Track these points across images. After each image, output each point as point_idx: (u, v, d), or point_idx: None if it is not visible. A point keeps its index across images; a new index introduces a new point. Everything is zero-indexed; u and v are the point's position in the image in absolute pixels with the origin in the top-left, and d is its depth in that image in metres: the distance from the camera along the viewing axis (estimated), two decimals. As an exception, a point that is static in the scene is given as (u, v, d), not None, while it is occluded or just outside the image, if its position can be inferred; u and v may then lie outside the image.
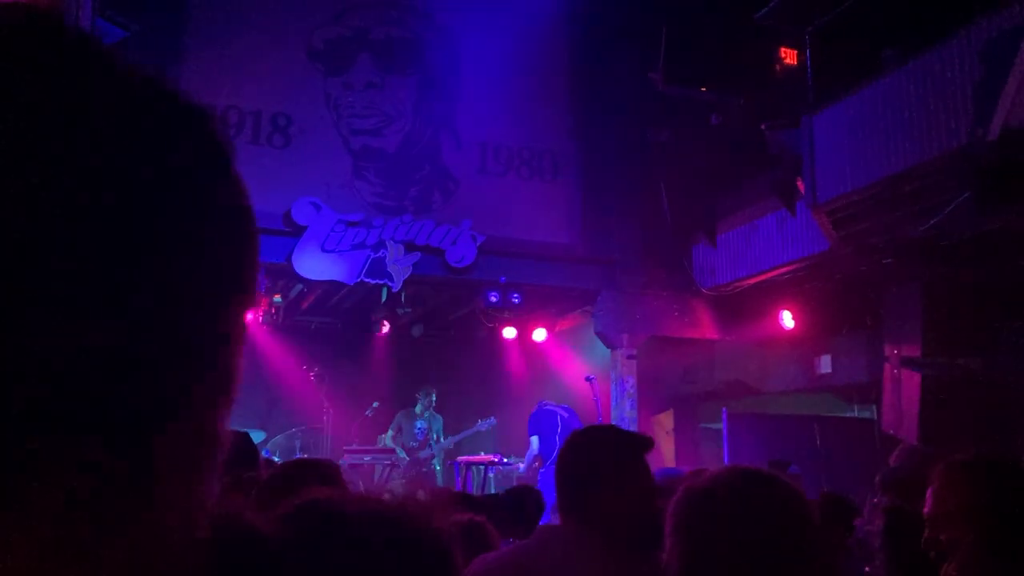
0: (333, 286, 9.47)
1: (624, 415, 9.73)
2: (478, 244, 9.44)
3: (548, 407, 9.14)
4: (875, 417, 9.22)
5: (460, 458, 9.72)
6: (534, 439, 8.91)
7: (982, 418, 7.39)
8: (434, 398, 10.10)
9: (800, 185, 8.02)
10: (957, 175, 6.10)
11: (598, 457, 2.11)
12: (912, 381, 8.12)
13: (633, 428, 9.74)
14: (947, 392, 7.80)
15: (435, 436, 9.79)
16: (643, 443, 2.15)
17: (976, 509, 2.07)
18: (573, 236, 10.11)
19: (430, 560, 0.88)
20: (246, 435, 3.59)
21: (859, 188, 7.09)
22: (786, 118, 7.90)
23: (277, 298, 10.40)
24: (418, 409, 10.03)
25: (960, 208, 6.31)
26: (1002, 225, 6.18)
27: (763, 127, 8.02)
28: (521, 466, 9.15)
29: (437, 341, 12.19)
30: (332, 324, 11.79)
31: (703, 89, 9.16)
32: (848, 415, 10.09)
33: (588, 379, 8.90)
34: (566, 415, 9.01)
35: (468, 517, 2.70)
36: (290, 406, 10.41)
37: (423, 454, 9.48)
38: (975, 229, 6.58)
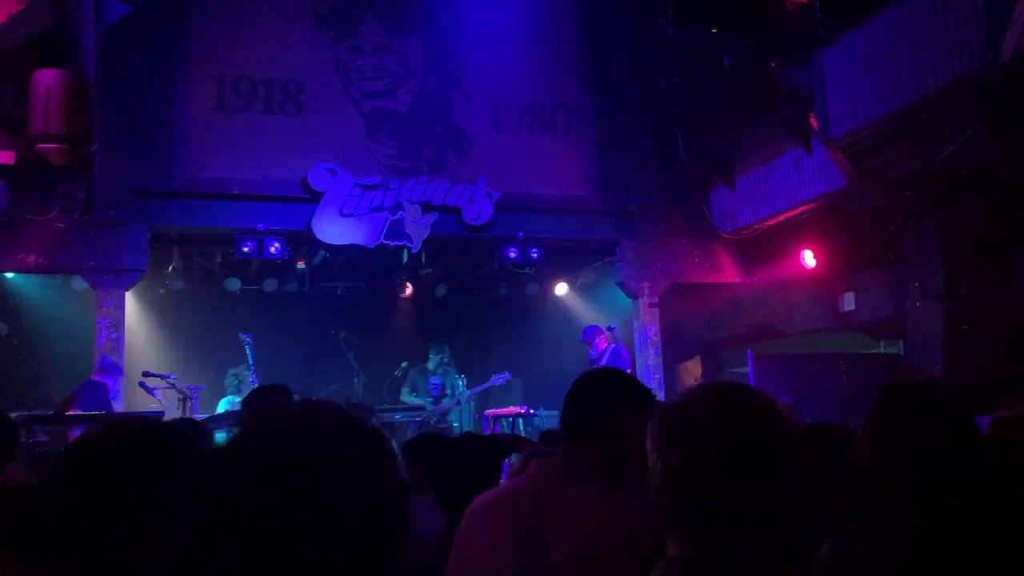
0: (355, 250, 9.57)
1: (648, 363, 9.80)
2: (494, 201, 9.48)
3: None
4: (900, 352, 9.19)
5: (488, 411, 9.86)
6: None
7: (1007, 348, 7.35)
8: (448, 353, 10.17)
9: (813, 122, 7.94)
10: (970, 103, 6.01)
11: (602, 401, 2.11)
12: (936, 314, 8.08)
13: (658, 376, 9.82)
14: (971, 323, 7.76)
15: (451, 391, 9.87)
16: (648, 395, 2.15)
17: None
18: (590, 188, 10.10)
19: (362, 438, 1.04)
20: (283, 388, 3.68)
21: (872, 121, 7.01)
22: (797, 55, 7.80)
23: (301, 265, 10.53)
24: (431, 365, 10.11)
25: (975, 136, 6.23)
26: (1018, 151, 6.10)
27: (774, 65, 7.92)
28: None
29: (460, 300, 12.28)
30: (357, 288, 11.92)
31: (713, 31, 9.05)
32: (873, 351, 10.07)
33: (610, 328, 8.97)
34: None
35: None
36: (320, 370, 10.57)
37: (438, 408, 9.58)
38: (992, 156, 6.50)
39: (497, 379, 9.89)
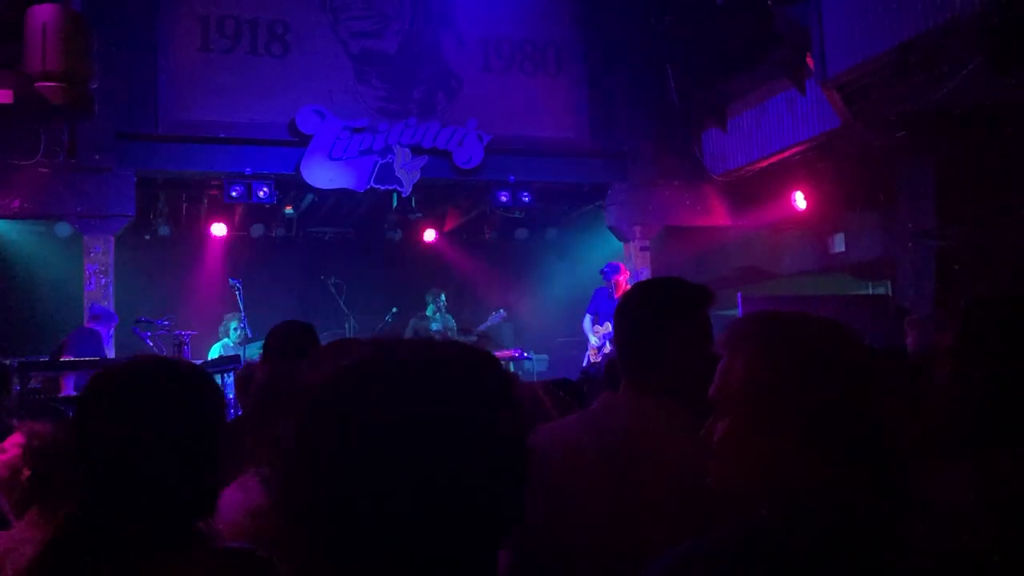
0: (344, 194, 9.47)
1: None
2: (485, 144, 9.37)
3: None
4: (890, 293, 9.26)
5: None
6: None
7: (997, 288, 7.40)
8: (443, 299, 10.16)
9: (809, 61, 7.87)
10: (969, 40, 5.96)
11: (661, 312, 1.94)
12: (927, 254, 8.12)
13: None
14: (962, 263, 7.80)
15: (450, 335, 9.89)
16: (707, 295, 1.97)
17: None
18: (581, 130, 10.00)
19: (496, 377, 0.97)
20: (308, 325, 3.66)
21: (869, 59, 6.95)
22: (793, -7, 7.70)
23: (289, 210, 10.42)
24: (430, 312, 10.11)
25: (972, 75, 6.19)
26: (1016, 90, 6.07)
27: (769, 2, 7.82)
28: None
29: (450, 244, 12.22)
30: (346, 233, 11.82)
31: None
32: (863, 292, 10.13)
33: (603, 272, 8.95)
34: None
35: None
36: (310, 316, 10.50)
37: None
38: (988, 96, 6.48)
39: (495, 317, 9.92)
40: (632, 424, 1.89)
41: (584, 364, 8.90)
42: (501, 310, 10.03)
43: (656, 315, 1.96)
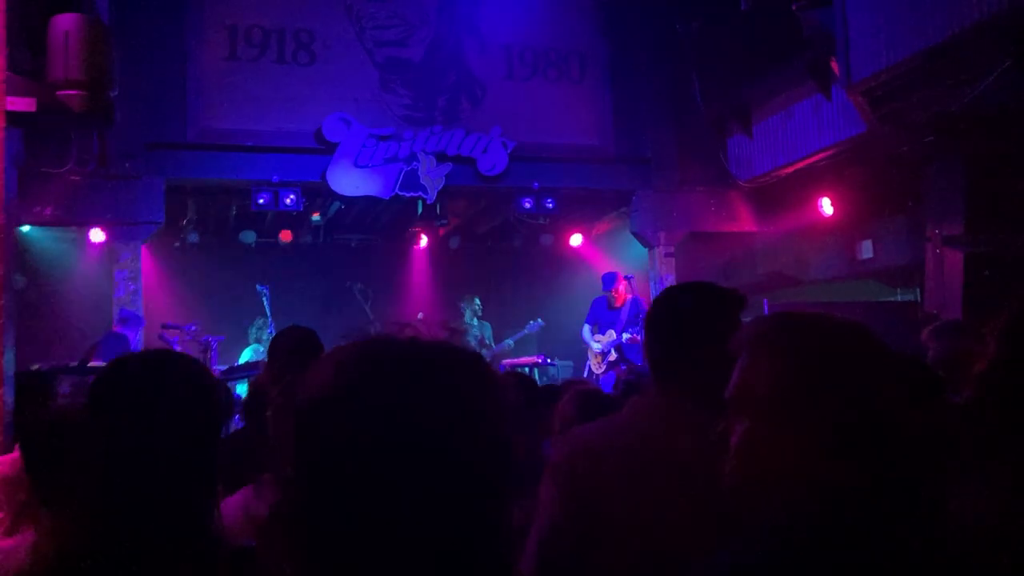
0: (369, 202, 9.54)
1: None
2: (509, 151, 9.41)
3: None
4: (918, 299, 9.15)
5: (505, 361, 9.91)
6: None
7: (1027, 294, 7.29)
8: (478, 305, 10.21)
9: (834, 66, 7.81)
10: (997, 43, 5.89)
11: (692, 316, 1.95)
12: (955, 260, 8.03)
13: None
14: (991, 269, 7.70)
15: (487, 342, 9.95)
16: (738, 299, 1.98)
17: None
18: (605, 137, 10.00)
19: (482, 377, 0.98)
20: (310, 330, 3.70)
21: (895, 64, 6.88)
22: (817, -3, 7.65)
23: (315, 217, 10.51)
24: (466, 318, 10.17)
25: (1001, 78, 6.12)
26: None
27: (794, 7, 7.77)
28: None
29: (475, 251, 12.25)
30: (371, 240, 11.90)
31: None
32: (891, 299, 10.02)
33: (627, 278, 8.95)
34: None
35: None
36: (336, 321, 10.60)
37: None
38: (1017, 99, 6.39)
39: (533, 326, 9.97)
40: (669, 430, 1.87)
41: (585, 374, 8.90)
42: (539, 319, 10.06)
43: (691, 319, 1.95)
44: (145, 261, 8.84)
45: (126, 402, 1.52)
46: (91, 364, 6.93)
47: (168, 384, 1.54)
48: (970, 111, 6.67)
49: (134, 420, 1.49)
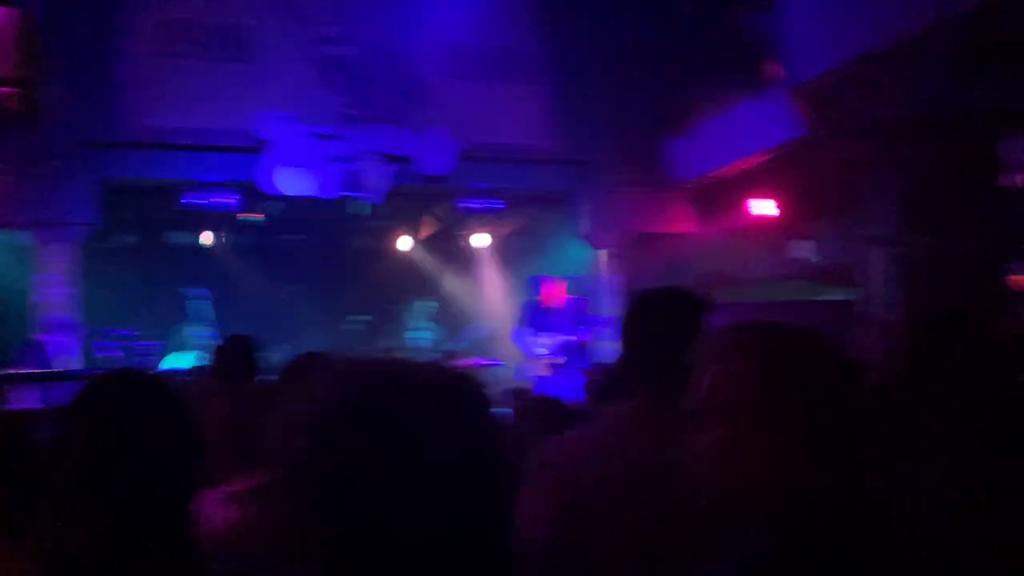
0: (310, 201, 9.36)
1: (606, 314, 9.84)
2: (454, 151, 9.35)
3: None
4: (853, 299, 9.38)
5: (455, 362, 9.84)
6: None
7: (959, 295, 7.54)
8: (434, 308, 10.14)
9: (776, 70, 7.96)
10: (935, 50, 6.07)
11: (670, 321, 1.97)
12: (890, 261, 8.25)
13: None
14: (924, 269, 7.94)
15: (439, 345, 9.88)
16: (709, 303, 2.03)
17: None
18: (550, 138, 10.01)
19: (473, 395, 1.03)
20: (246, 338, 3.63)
21: (834, 68, 7.05)
22: (758, 1, 7.78)
23: (254, 217, 10.29)
24: (418, 321, 10.08)
25: (938, 85, 6.31)
26: (980, 99, 6.19)
27: (736, 11, 7.90)
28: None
29: (420, 251, 12.15)
30: (311, 241, 11.71)
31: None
32: (827, 298, 10.26)
33: (571, 278, 8.97)
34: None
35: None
36: (276, 325, 10.40)
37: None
38: (953, 106, 6.59)
39: (482, 328, 9.91)
40: (647, 432, 1.90)
41: (519, 376, 8.88)
42: (488, 322, 10.01)
43: (677, 323, 1.97)
44: (77, 264, 8.52)
45: (107, 421, 1.56)
46: (12, 371, 6.67)
47: (148, 401, 1.60)
48: (907, 116, 6.86)
49: (115, 438, 1.53)
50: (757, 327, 1.42)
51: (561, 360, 8.65)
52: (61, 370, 7.23)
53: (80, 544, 1.47)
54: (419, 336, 9.89)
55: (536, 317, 8.86)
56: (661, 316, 2.02)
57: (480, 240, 11.75)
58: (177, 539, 1.52)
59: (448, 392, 1.01)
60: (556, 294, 8.78)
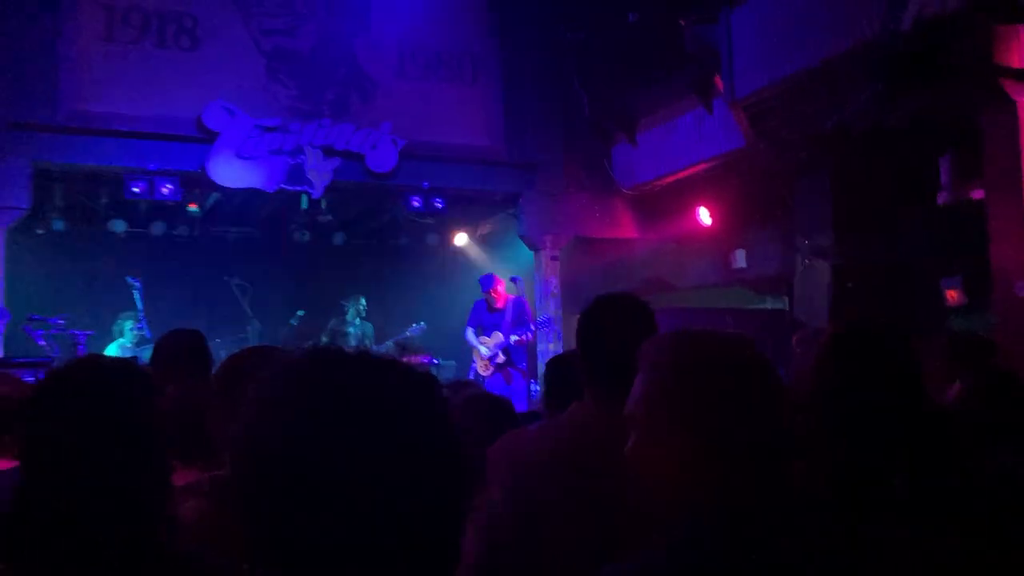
0: (251, 194, 9.26)
1: (549, 315, 9.94)
2: (399, 149, 9.34)
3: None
4: (786, 308, 9.63)
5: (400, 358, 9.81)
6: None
7: (888, 305, 7.78)
8: (363, 305, 10.09)
9: (718, 82, 8.14)
10: (870, 67, 6.29)
11: (616, 323, 2.06)
12: (822, 270, 8.49)
13: (558, 328, 9.99)
14: (856, 279, 8.17)
15: (367, 343, 9.83)
16: (650, 312, 2.13)
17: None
18: (495, 139, 10.07)
19: (427, 384, 1.00)
20: (201, 335, 3.57)
21: (774, 82, 7.25)
22: (705, 13, 7.95)
23: (193, 208, 10.13)
24: (349, 316, 10.03)
25: (871, 100, 6.53)
26: (911, 113, 6.43)
27: (681, 23, 8.06)
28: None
29: (360, 249, 12.09)
30: (252, 234, 11.56)
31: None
32: (760, 307, 10.51)
33: (513, 279, 9.03)
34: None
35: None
36: (212, 318, 10.25)
37: None
38: (881, 120, 6.82)
39: (415, 329, 9.88)
40: (608, 435, 1.95)
41: (472, 375, 8.93)
42: (422, 323, 9.99)
43: (629, 328, 2.04)
44: (7, 248, 8.29)
45: (76, 410, 1.48)
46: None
47: (116, 390, 1.53)
48: (839, 130, 7.08)
49: (82, 428, 1.46)
50: (671, 339, 1.49)
51: (502, 359, 8.71)
52: (9, 357, 7.01)
53: (54, 540, 1.42)
54: (349, 332, 9.86)
55: (484, 316, 8.91)
56: (614, 320, 2.11)
57: (430, 239, 11.79)
58: (152, 536, 1.47)
59: (399, 381, 0.97)
60: (500, 295, 8.84)
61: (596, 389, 2.05)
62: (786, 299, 9.82)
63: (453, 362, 10.87)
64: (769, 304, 10.46)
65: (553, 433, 2.10)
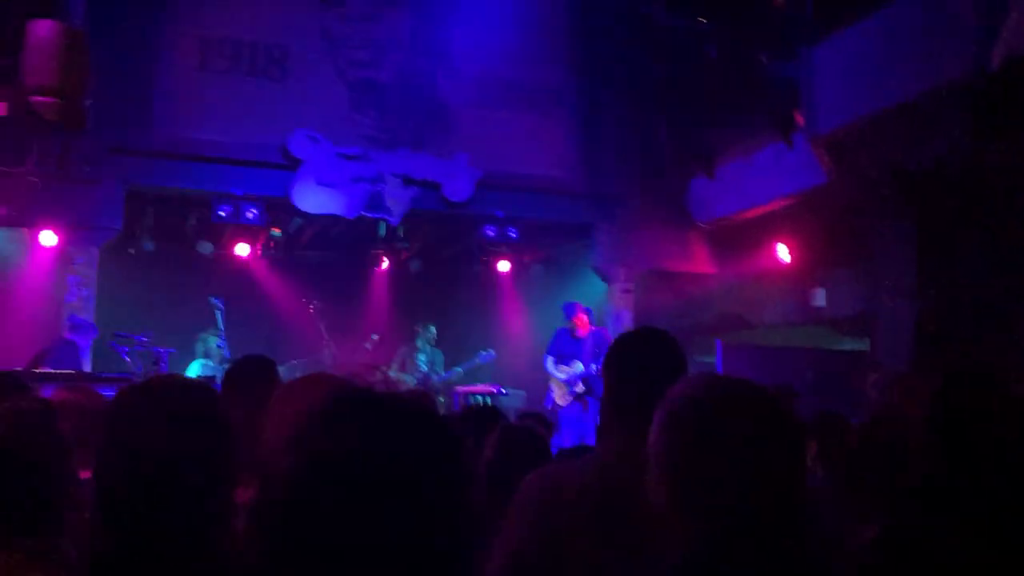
0: (332, 220, 9.49)
1: (621, 347, 9.86)
2: (475, 178, 9.45)
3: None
4: (868, 349, 9.35)
5: (459, 388, 9.87)
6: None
7: (971, 350, 7.50)
8: (433, 333, 10.19)
9: (798, 118, 8.02)
10: (956, 107, 6.12)
11: (669, 363, 2.05)
12: (905, 312, 8.23)
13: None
14: (939, 323, 7.90)
15: (437, 370, 9.92)
16: (680, 350, 2.12)
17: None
18: (570, 170, 10.10)
19: (439, 427, 1.06)
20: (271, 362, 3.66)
21: (857, 120, 7.11)
22: (786, 50, 7.86)
23: (276, 232, 10.42)
24: (419, 343, 10.15)
25: (958, 140, 6.35)
26: (999, 157, 6.22)
27: (762, 59, 7.98)
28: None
29: (434, 276, 12.24)
30: (331, 258, 11.82)
31: (702, 20, 9.09)
32: (841, 348, 10.23)
33: (586, 310, 9.00)
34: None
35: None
36: (290, 340, 10.50)
37: (428, 385, 9.62)
38: (970, 161, 6.62)
39: (484, 357, 9.91)
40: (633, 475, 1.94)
41: (548, 405, 8.91)
42: (491, 350, 10.02)
43: (667, 365, 2.05)
44: (98, 267, 8.66)
45: (152, 426, 1.52)
46: (39, 370, 6.77)
47: (191, 408, 1.57)
48: (925, 170, 6.90)
49: (154, 442, 1.50)
50: (692, 381, 1.56)
51: (581, 388, 8.67)
52: (95, 372, 7.31)
53: (111, 547, 1.46)
54: (419, 359, 9.95)
55: (566, 344, 8.89)
56: (639, 357, 2.11)
57: (503, 267, 11.84)
58: (213, 551, 1.50)
59: (411, 434, 1.03)
60: (583, 323, 8.83)
61: (623, 426, 2.04)
62: (867, 340, 9.55)
63: (523, 392, 10.86)
64: (848, 344, 10.18)
65: (579, 468, 2.10)
